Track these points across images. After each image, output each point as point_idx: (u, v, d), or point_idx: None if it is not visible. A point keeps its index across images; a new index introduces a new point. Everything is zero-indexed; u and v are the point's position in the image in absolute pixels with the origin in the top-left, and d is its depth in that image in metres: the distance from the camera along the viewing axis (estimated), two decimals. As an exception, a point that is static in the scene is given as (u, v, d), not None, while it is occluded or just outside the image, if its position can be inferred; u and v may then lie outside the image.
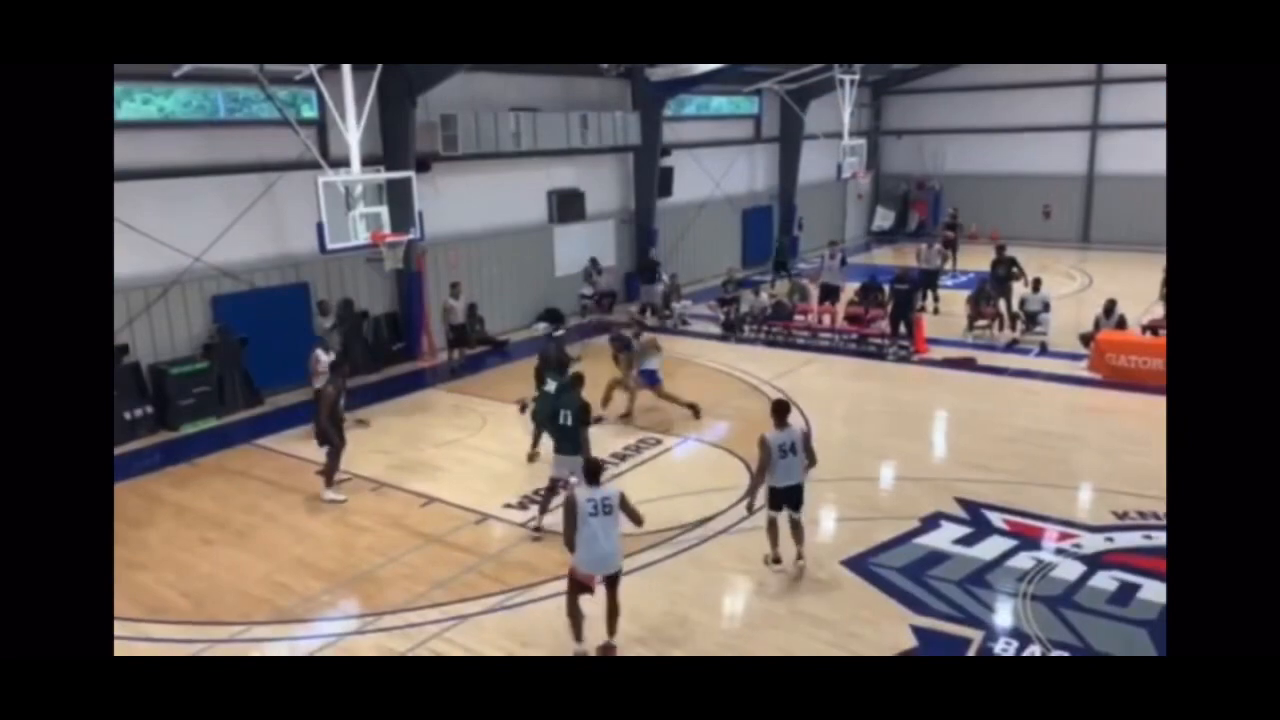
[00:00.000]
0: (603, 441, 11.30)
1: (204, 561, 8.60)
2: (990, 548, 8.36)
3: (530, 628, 7.24)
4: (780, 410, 7.97)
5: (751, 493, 8.00)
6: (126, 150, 12.19)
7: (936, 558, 8.22)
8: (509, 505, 9.56)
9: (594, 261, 19.25)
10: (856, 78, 22.59)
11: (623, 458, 10.90)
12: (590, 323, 18.44)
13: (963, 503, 9.29)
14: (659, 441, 11.40)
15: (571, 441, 8.60)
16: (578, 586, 6.61)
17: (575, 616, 6.70)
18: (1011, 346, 15.53)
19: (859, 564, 8.13)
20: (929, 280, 18.25)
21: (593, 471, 6.87)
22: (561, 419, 8.65)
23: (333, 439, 9.87)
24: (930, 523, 8.91)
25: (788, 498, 7.84)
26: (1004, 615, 7.27)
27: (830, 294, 17.66)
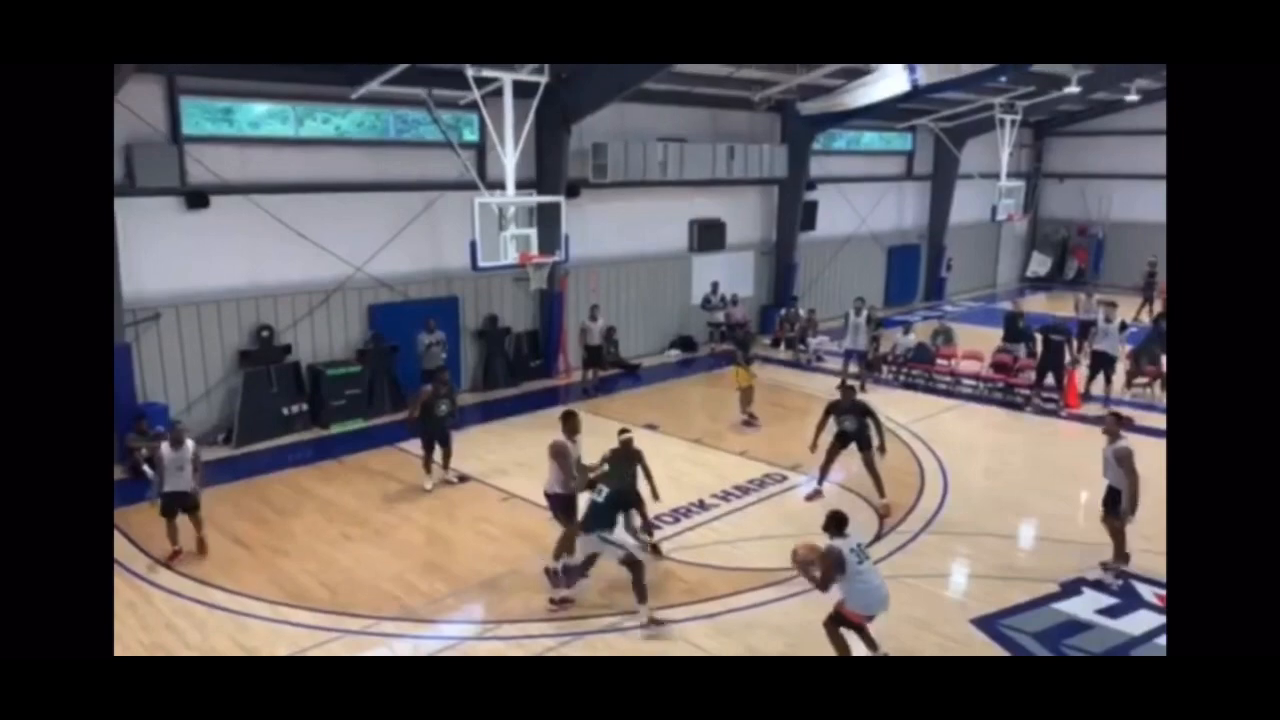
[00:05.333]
0: (726, 473, 11.27)
1: (343, 555, 9.09)
2: (1138, 622, 7.77)
3: (639, 653, 7.25)
4: (1121, 422, 8.68)
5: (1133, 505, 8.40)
6: (304, 165, 13.21)
7: (1076, 627, 7.71)
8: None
9: (714, 286, 18.90)
10: (1018, 118, 21.83)
11: (745, 491, 10.80)
12: (721, 352, 18.40)
13: (1107, 570, 8.69)
14: (784, 478, 11.23)
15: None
16: (846, 621, 6.71)
17: (842, 644, 6.74)
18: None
19: (989, 625, 7.72)
20: (1085, 332, 17.23)
21: (840, 521, 6.67)
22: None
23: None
24: (1071, 588, 8.37)
25: None
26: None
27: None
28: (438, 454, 10.91)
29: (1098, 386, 14.53)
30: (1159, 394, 14.92)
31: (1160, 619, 7.78)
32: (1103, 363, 14.50)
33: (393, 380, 14.07)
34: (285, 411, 12.97)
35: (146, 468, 11.13)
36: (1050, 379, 14.50)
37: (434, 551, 9.18)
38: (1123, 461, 8.41)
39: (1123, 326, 14.45)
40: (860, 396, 10.89)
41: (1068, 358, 14.61)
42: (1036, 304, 24.47)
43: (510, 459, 11.73)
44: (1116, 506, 8.55)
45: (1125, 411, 13.83)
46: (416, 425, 10.89)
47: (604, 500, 7.75)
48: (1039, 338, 15.23)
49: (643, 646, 7.34)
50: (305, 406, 13.23)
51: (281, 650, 7.28)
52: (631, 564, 7.60)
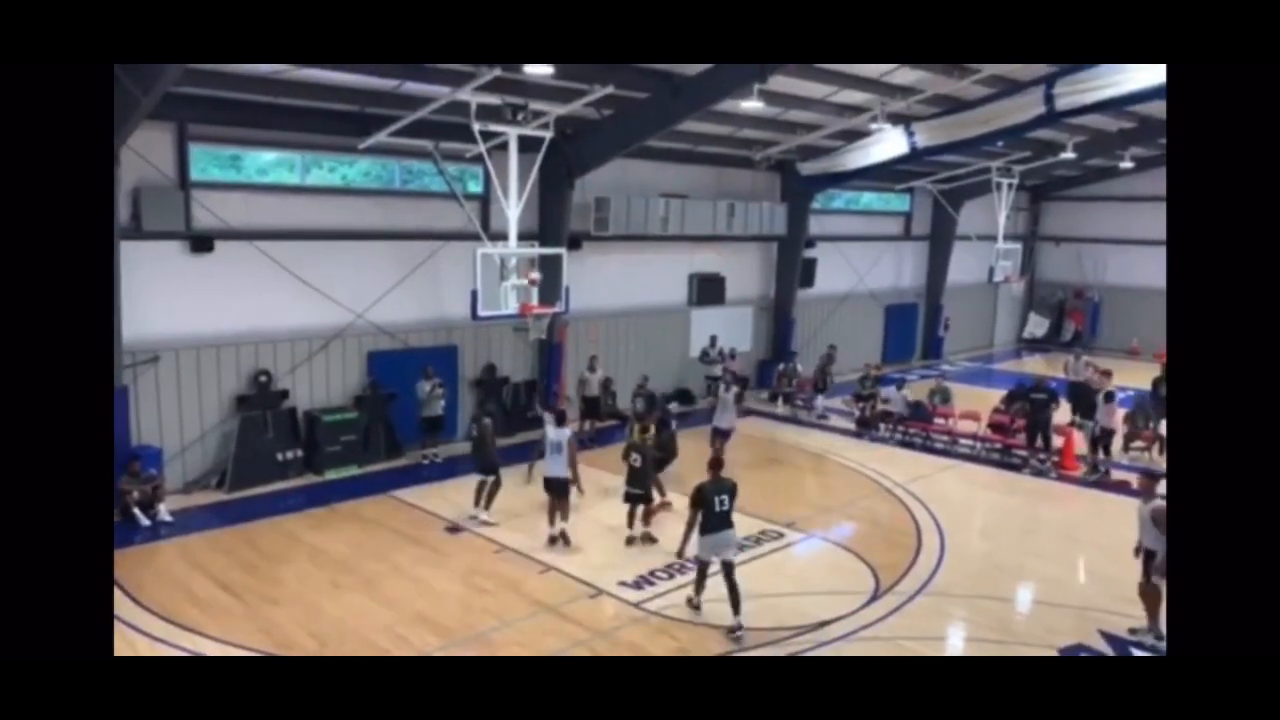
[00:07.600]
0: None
1: (332, 604, 8.97)
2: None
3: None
4: (1155, 481, 8.67)
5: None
6: (309, 212, 13.35)
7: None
8: (624, 583, 9.53)
9: (713, 340, 18.92)
10: (1015, 181, 22.16)
11: (741, 548, 10.68)
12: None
13: (1108, 637, 8.57)
14: (780, 535, 11.14)
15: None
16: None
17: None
18: (1173, 473, 14.25)
19: (987, 690, 7.60)
20: (1072, 393, 17.14)
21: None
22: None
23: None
24: (1069, 654, 8.26)
25: None
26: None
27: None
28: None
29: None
30: (1156, 457, 14.87)
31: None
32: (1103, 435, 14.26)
33: (388, 427, 14.03)
34: (280, 457, 12.90)
35: (137, 511, 11.06)
36: (1040, 440, 14.47)
37: (424, 603, 9.06)
38: (1159, 522, 8.17)
39: (1109, 397, 14.35)
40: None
41: (1057, 419, 14.61)
42: (1034, 365, 24.64)
43: (503, 510, 11.63)
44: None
45: (1123, 475, 13.91)
46: (482, 457, 11.46)
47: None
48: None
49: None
50: (300, 452, 13.17)
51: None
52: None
